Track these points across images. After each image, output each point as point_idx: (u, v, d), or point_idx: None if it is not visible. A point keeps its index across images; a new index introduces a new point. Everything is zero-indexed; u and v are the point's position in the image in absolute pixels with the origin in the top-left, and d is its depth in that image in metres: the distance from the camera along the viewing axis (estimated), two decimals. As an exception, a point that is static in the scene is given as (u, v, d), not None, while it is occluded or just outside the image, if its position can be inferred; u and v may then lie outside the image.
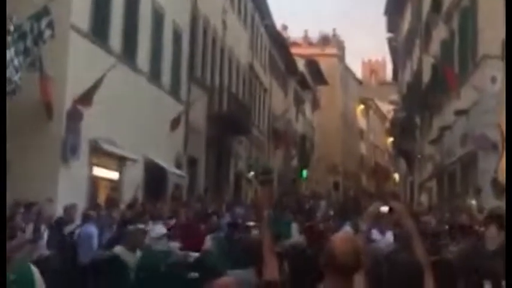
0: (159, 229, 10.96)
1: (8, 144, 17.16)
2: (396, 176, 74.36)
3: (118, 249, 9.54)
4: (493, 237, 6.87)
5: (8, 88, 16.49)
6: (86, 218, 15.04)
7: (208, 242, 12.41)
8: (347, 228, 13.88)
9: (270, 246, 5.49)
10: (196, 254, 10.98)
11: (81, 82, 18.78)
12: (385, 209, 5.61)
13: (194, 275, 9.77)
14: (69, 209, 15.81)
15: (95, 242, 13.83)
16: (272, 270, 5.12)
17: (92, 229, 14.11)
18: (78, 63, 19.18)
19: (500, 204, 11.80)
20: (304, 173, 63.93)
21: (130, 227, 9.79)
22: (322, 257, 4.42)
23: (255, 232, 13.45)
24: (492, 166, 20.67)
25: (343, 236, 4.60)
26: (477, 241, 8.83)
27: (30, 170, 17.66)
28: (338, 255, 4.18)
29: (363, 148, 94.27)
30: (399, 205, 5.86)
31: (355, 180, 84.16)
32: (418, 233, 5.66)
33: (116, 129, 21.56)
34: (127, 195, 21.60)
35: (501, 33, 16.95)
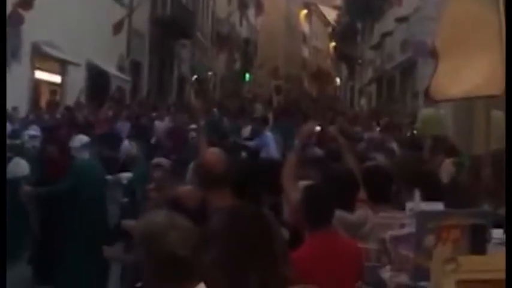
0: (81, 138, 10.72)
1: None
2: (337, 80, 75.00)
3: None
4: (448, 171, 7.08)
5: None
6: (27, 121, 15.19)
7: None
8: None
9: (206, 152, 5.74)
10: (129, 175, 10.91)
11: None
12: (318, 128, 5.96)
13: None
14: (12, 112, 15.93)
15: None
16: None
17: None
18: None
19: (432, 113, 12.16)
20: (247, 76, 64.01)
21: None
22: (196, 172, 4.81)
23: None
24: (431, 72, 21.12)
25: (213, 151, 4.94)
26: (417, 150, 9.19)
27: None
28: (208, 168, 4.50)
29: (306, 52, 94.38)
30: (332, 127, 6.20)
31: (297, 83, 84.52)
32: (349, 147, 6.01)
33: (58, 32, 21.34)
34: (70, 99, 21.58)
35: None
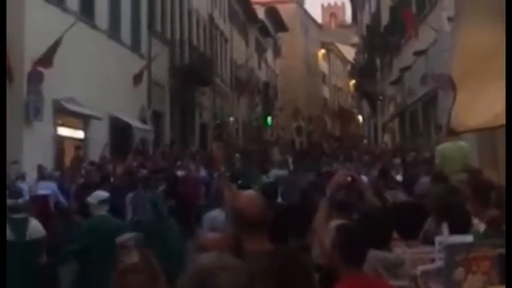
0: (99, 195, 10.65)
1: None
2: (360, 117, 74.91)
3: None
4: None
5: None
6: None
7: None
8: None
9: (230, 199, 5.69)
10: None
11: (40, 43, 18.74)
12: (349, 179, 5.95)
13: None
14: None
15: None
16: None
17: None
18: (36, 24, 19.06)
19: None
20: (269, 120, 64.06)
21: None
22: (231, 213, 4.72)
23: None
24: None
25: (249, 193, 4.84)
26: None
27: (-5, 133, 17.67)
28: (245, 210, 4.44)
29: (326, 92, 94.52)
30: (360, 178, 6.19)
31: (320, 124, 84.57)
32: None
33: (78, 88, 21.53)
34: (93, 154, 21.69)
35: (455, -27, 17.13)
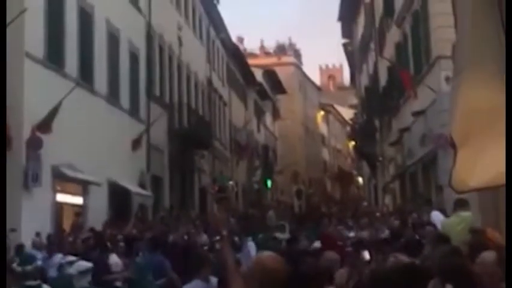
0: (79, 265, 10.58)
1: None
2: (360, 179, 74.82)
3: None
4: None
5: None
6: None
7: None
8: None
9: (233, 265, 5.58)
10: None
11: (39, 109, 18.79)
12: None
13: None
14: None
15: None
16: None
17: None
18: (35, 90, 19.12)
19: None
20: (269, 183, 64.02)
21: None
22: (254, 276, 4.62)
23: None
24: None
25: (271, 254, 4.76)
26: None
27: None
28: (269, 271, 4.38)
29: (326, 154, 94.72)
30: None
31: (320, 186, 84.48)
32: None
33: (77, 153, 21.52)
34: (92, 220, 21.56)
35: (452, 34, 17.21)
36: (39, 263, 9.42)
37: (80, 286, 9.40)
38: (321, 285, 4.78)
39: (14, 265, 8.92)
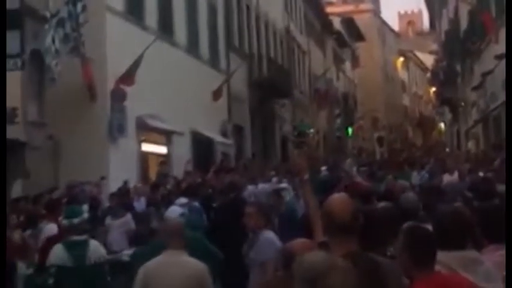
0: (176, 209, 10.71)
1: (56, 128, 17.73)
2: (442, 125, 73.95)
3: None
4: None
5: (47, 76, 16.92)
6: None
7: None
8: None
9: (315, 207, 5.64)
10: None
11: (122, 62, 19.11)
12: None
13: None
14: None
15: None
16: (319, 232, 5.15)
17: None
18: (117, 43, 19.47)
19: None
20: (350, 130, 63.75)
21: None
22: (322, 219, 4.62)
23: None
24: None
25: (339, 197, 4.76)
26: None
27: (80, 151, 18.09)
28: (336, 215, 4.33)
29: (406, 100, 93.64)
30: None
31: (401, 132, 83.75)
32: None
33: (160, 104, 21.86)
34: (176, 169, 21.95)
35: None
36: (85, 215, 8.56)
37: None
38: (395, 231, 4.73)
39: (60, 219, 8.38)
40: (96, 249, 8.05)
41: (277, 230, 9.10)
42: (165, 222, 8.01)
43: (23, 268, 8.69)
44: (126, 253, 11.00)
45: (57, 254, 7.77)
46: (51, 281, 7.71)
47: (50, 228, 10.38)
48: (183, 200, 11.65)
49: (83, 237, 7.97)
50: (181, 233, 6.91)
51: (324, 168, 19.47)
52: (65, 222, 8.14)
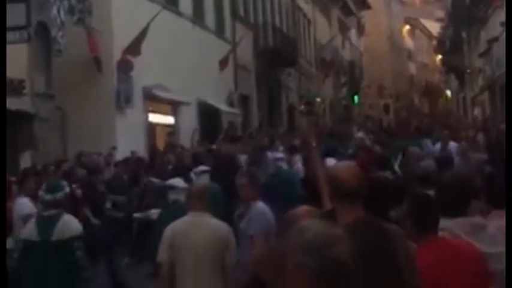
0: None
1: (64, 99, 17.84)
2: (448, 92, 73.83)
3: None
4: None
5: (54, 48, 16.98)
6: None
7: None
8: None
9: (323, 175, 5.66)
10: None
11: (128, 33, 19.14)
12: None
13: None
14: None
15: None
16: (327, 200, 5.13)
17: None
18: (122, 14, 19.50)
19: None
20: (356, 98, 63.62)
21: None
22: (329, 185, 4.64)
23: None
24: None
25: (347, 164, 4.78)
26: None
27: (88, 122, 18.21)
28: (345, 182, 4.31)
29: (412, 68, 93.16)
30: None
31: (407, 101, 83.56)
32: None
33: (167, 75, 21.92)
34: (183, 139, 22.04)
35: None
36: (67, 190, 7.75)
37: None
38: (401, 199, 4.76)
39: (41, 192, 7.55)
40: (66, 224, 7.51)
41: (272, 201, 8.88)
42: (191, 186, 8.12)
43: (9, 242, 8.77)
44: (155, 211, 11.29)
45: (28, 228, 7.64)
46: (16, 255, 7.61)
47: (21, 203, 9.97)
48: (202, 167, 11.80)
49: (54, 211, 7.51)
50: (205, 196, 7.04)
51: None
52: (48, 196, 7.54)
